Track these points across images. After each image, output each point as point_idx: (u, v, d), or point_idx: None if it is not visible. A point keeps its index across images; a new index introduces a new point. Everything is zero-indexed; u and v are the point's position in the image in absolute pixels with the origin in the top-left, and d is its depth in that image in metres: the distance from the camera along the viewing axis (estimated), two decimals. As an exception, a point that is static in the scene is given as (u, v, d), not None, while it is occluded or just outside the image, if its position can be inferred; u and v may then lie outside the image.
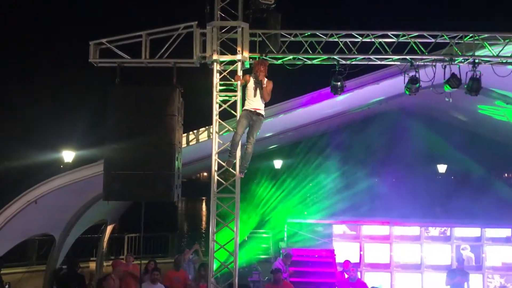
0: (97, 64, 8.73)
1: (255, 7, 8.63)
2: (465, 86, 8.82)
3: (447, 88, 8.80)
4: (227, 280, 8.81)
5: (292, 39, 8.78)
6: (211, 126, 8.72)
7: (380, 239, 13.58)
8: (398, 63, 8.98)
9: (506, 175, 37.66)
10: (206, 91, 8.75)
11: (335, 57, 8.76)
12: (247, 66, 8.82)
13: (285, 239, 13.79)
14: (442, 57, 8.79)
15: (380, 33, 8.70)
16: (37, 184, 9.81)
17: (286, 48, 8.76)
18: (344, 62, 8.84)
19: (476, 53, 8.77)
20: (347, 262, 11.48)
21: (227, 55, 8.62)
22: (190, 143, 9.48)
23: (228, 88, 8.77)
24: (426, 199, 19.71)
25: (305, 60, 8.88)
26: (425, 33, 8.70)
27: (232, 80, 8.64)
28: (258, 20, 8.74)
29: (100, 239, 14.76)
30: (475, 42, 8.72)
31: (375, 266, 13.44)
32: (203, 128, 9.43)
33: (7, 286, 10.43)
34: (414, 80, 8.83)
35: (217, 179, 8.55)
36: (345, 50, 8.72)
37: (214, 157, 8.56)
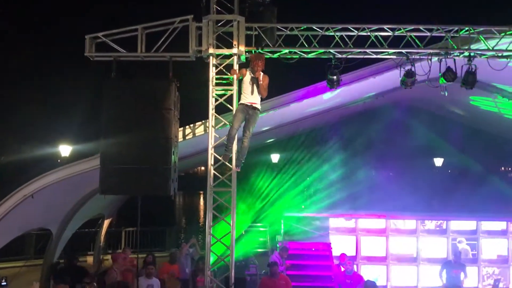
0: (93, 58, 8.72)
1: (251, 1, 8.65)
2: (461, 79, 8.84)
3: (443, 82, 8.82)
4: (225, 273, 8.86)
5: (288, 32, 8.77)
6: (208, 120, 8.74)
7: (377, 233, 13.62)
8: (394, 56, 8.99)
9: (502, 168, 37.86)
10: (202, 85, 8.76)
11: (331, 50, 8.77)
12: (243, 60, 8.82)
13: (282, 232, 13.84)
14: (437, 51, 8.81)
15: (376, 26, 8.71)
16: (34, 179, 9.79)
17: (282, 41, 8.77)
18: (340, 56, 8.85)
19: (472, 47, 8.79)
20: (343, 255, 11.56)
21: (223, 49, 8.62)
22: (187, 137, 9.48)
23: (224, 82, 8.78)
24: (422, 192, 19.80)
25: (301, 53, 8.89)
26: (420, 27, 8.71)
27: (228, 74, 8.64)
28: (254, 13, 8.74)
29: (97, 233, 14.77)
30: (471, 35, 8.74)
31: (372, 259, 13.49)
32: (200, 122, 9.43)
33: (3, 280, 10.43)
34: (410, 74, 8.85)
35: (214, 173, 8.58)
36: (341, 44, 8.73)
37: (211, 151, 8.59)
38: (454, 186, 23.95)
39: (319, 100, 10.79)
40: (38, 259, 13.80)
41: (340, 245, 12.98)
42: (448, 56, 8.76)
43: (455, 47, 8.78)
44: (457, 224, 13.63)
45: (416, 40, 8.74)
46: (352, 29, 8.71)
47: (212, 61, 8.64)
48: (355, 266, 12.65)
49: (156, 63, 8.88)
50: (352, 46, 8.73)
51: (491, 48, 8.77)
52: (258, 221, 18.10)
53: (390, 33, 8.73)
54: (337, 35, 8.70)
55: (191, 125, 9.52)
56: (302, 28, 8.75)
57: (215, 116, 8.69)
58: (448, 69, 8.65)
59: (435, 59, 8.81)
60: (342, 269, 11.36)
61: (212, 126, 8.65)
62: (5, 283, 10.52)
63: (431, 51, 8.79)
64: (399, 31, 8.71)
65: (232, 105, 8.60)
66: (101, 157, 8.16)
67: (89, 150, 12.82)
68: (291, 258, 11.82)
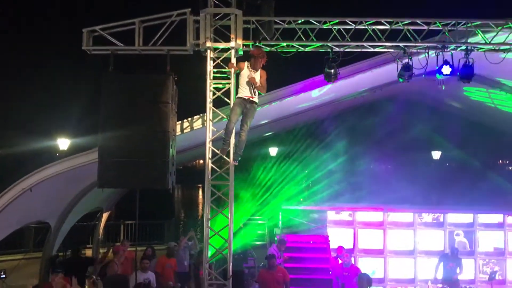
0: (90, 52, 8.70)
1: (248, -6, 8.61)
2: (458, 73, 8.86)
3: (440, 76, 8.84)
4: (223, 266, 8.92)
5: (286, 26, 8.77)
6: (205, 114, 8.75)
7: (374, 225, 13.70)
8: (392, 50, 8.99)
9: (500, 161, 37.95)
10: (200, 78, 8.77)
11: (329, 44, 8.76)
12: (241, 53, 8.83)
13: (280, 225, 13.90)
14: (435, 44, 8.82)
15: (373, 20, 8.70)
16: (32, 172, 9.82)
17: (280, 35, 8.75)
18: (337, 49, 8.85)
19: (469, 40, 8.80)
20: (340, 248, 11.63)
21: (220, 42, 8.61)
22: (184, 131, 9.50)
23: (222, 76, 8.78)
24: (420, 185, 19.84)
25: (299, 47, 8.88)
26: (418, 20, 8.70)
27: (226, 67, 8.65)
28: (251, 7, 8.72)
29: (96, 226, 14.82)
30: (468, 29, 8.74)
31: (369, 252, 13.57)
32: (197, 116, 9.45)
33: (2, 273, 10.48)
34: (407, 68, 8.86)
35: (212, 167, 8.61)
36: (339, 37, 8.72)
37: (208, 144, 8.61)
38: (451, 179, 24.04)
39: (317, 94, 10.81)
40: (37, 252, 13.86)
41: (338, 238, 13.05)
42: (445, 50, 8.77)
43: (452, 40, 8.78)
44: (454, 217, 13.71)
45: (414, 34, 8.74)
46: (350, 23, 8.70)
47: (210, 54, 8.64)
48: (352, 259, 12.74)
49: (154, 57, 8.88)
50: (349, 40, 8.72)
51: (488, 42, 8.78)
52: (257, 214, 18.15)
53: (387, 27, 8.73)
54: (334, 29, 8.70)
55: (189, 119, 9.54)
56: (299, 21, 8.74)
57: (213, 109, 8.70)
58: (445, 62, 8.66)
59: (432, 52, 8.82)
60: (340, 261, 11.43)
61: (210, 120, 8.66)
62: (4, 276, 10.58)
63: (428, 44, 8.79)
64: (396, 25, 8.70)
65: (229, 99, 8.62)
66: (99, 151, 8.18)
67: (88, 144, 12.83)
68: (289, 251, 11.88)
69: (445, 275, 11.72)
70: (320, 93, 10.75)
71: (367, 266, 13.02)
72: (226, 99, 8.71)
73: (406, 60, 8.88)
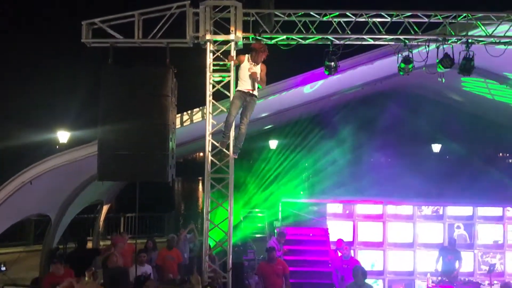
0: (89, 45, 8.66)
1: (248, -14, 8.56)
2: (458, 66, 8.84)
3: (440, 69, 8.81)
4: (223, 259, 8.95)
5: (286, 18, 8.72)
6: (205, 107, 8.73)
7: (374, 218, 13.73)
8: (392, 43, 8.96)
9: (500, 154, 37.97)
10: (200, 71, 8.74)
11: (329, 37, 8.72)
12: (241, 46, 8.79)
13: (280, 218, 13.93)
14: (435, 37, 8.78)
15: (373, 12, 8.65)
16: (32, 165, 9.81)
17: (280, 27, 8.71)
18: (337, 42, 8.81)
19: (470, 33, 8.76)
20: (340, 240, 11.66)
21: (220, 35, 8.57)
22: (184, 124, 9.49)
23: (222, 69, 8.75)
24: (420, 178, 19.85)
25: (299, 40, 8.84)
26: (418, 13, 8.66)
27: (226, 60, 8.61)
28: (251, -1, 8.68)
29: (96, 219, 14.86)
30: (469, 22, 8.70)
31: (368, 245, 13.62)
32: (197, 109, 9.42)
33: (2, 266, 10.51)
34: (407, 60, 8.83)
35: (211, 160, 8.60)
36: (339, 30, 8.67)
37: (208, 137, 8.60)
38: (451, 172, 24.03)
39: (316, 87, 10.80)
40: (37, 244, 13.90)
41: (337, 231, 13.09)
42: (446, 43, 8.73)
43: (453, 33, 8.74)
44: (453, 210, 13.74)
45: (414, 26, 8.70)
46: (350, 15, 8.66)
47: (210, 47, 8.60)
48: (352, 251, 12.78)
49: (153, 50, 8.85)
50: (349, 32, 8.68)
51: (489, 34, 8.74)
52: (257, 207, 18.19)
53: (388, 19, 8.68)
54: (334, 21, 8.65)
55: (189, 112, 9.52)
56: (299, 14, 8.69)
57: (213, 102, 8.68)
58: (446, 55, 8.62)
59: (432, 45, 8.79)
60: (339, 254, 11.47)
61: (210, 113, 8.64)
62: (4, 269, 10.60)
63: (429, 37, 8.75)
64: (396, 17, 8.65)
65: (229, 92, 8.59)
66: (99, 144, 8.16)
67: (87, 137, 12.82)
68: (289, 244, 11.93)
69: (444, 268, 11.76)
70: (318, 87, 10.73)
71: (367, 258, 13.07)
72: (226, 92, 8.69)
73: (406, 53, 8.85)
